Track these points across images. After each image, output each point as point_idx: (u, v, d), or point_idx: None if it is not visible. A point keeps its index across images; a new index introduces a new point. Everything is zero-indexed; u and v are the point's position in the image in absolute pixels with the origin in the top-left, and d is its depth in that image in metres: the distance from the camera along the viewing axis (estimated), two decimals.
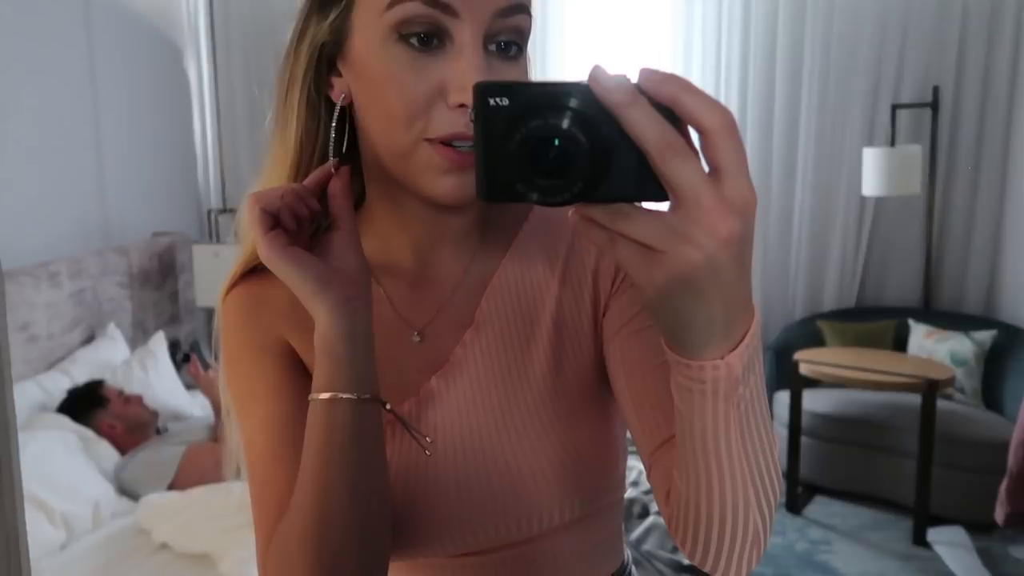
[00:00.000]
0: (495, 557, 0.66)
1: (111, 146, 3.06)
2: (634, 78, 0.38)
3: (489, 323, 0.67)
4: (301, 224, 0.59)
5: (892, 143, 3.28)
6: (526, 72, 0.60)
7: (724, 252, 0.38)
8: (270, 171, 0.65)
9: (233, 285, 0.68)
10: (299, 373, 0.65)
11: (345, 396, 0.56)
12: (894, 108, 3.35)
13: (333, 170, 0.61)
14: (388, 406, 0.60)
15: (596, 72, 0.37)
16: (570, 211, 0.41)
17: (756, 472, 0.49)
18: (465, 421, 0.65)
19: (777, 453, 0.51)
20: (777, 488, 0.51)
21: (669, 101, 0.37)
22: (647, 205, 0.40)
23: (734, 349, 0.43)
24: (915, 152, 3.18)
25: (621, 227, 0.39)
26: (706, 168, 0.38)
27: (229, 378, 0.66)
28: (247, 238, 0.65)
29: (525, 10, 0.57)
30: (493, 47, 0.57)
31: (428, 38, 0.55)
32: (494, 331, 0.67)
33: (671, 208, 0.38)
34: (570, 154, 0.37)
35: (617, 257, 0.41)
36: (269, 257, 0.55)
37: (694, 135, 0.39)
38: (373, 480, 0.58)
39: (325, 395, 0.56)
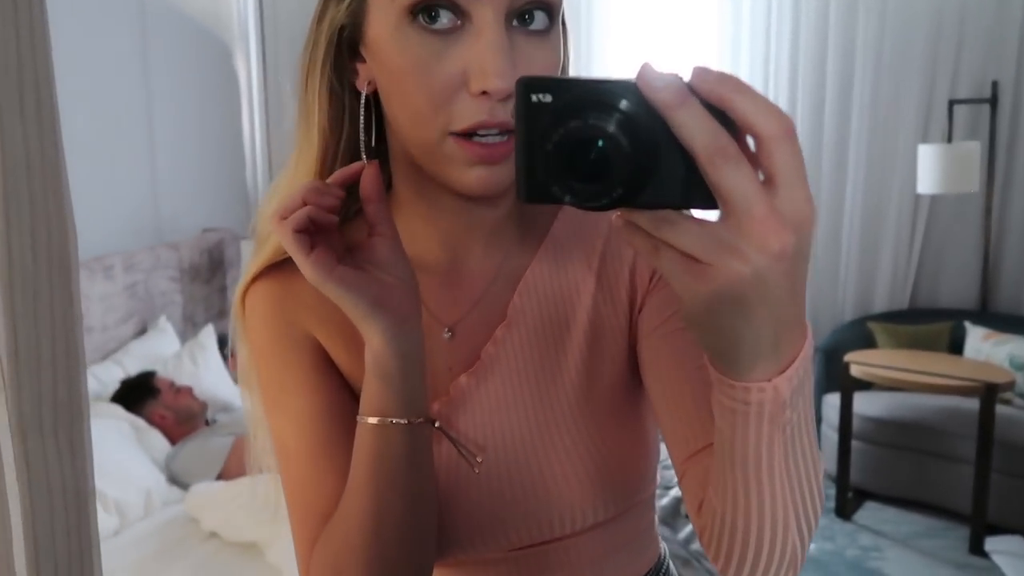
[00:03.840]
0: (521, 555, 0.65)
1: (163, 144, 3.13)
2: (686, 77, 0.36)
3: (522, 320, 0.64)
4: (332, 218, 0.54)
5: (949, 140, 3.19)
6: (558, 50, 0.55)
7: (775, 268, 0.36)
8: (295, 167, 0.61)
9: (253, 280, 0.65)
10: (328, 368, 0.63)
11: (397, 421, 0.54)
12: (951, 104, 3.25)
13: (365, 161, 0.57)
14: (437, 424, 0.59)
15: (645, 70, 0.35)
16: (614, 212, 0.39)
17: (799, 495, 0.47)
18: (496, 421, 0.63)
19: (821, 473, 0.49)
20: (819, 507, 0.50)
21: (723, 103, 0.35)
22: (695, 213, 0.38)
23: (783, 371, 0.41)
24: (973, 149, 3.08)
25: (666, 235, 0.37)
26: (760, 177, 0.36)
27: (258, 374, 0.65)
28: (268, 241, 0.62)
29: None
30: (516, 22, 0.52)
31: (443, 18, 0.51)
32: (527, 328, 0.64)
33: (720, 218, 0.36)
34: (610, 158, 0.35)
35: (660, 267, 0.39)
36: (317, 281, 0.51)
37: (750, 141, 0.37)
38: (425, 495, 0.57)
39: (375, 420, 0.55)
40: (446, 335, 0.65)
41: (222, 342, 3.11)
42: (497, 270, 0.65)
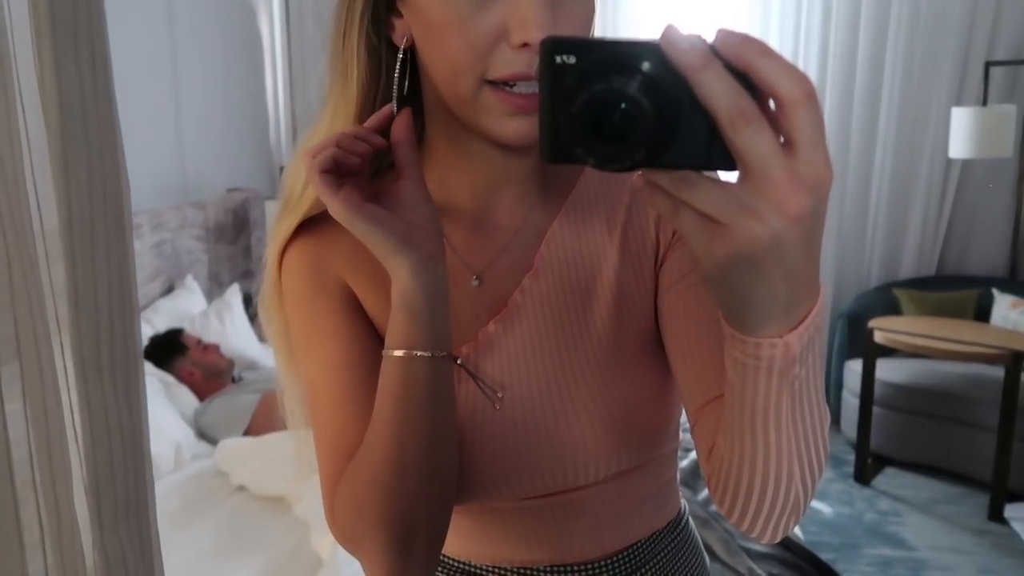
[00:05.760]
0: (542, 503, 0.66)
1: (188, 104, 3.14)
2: (710, 39, 0.36)
3: (549, 268, 0.66)
4: (362, 164, 0.57)
5: (984, 102, 3.11)
6: (593, 3, 0.58)
7: (791, 230, 0.37)
8: (330, 122, 0.63)
9: (289, 241, 0.66)
10: (360, 317, 0.65)
11: (422, 354, 0.56)
12: (987, 65, 3.16)
13: (394, 112, 0.60)
14: (460, 360, 0.61)
15: (669, 32, 0.36)
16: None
17: (804, 446, 0.49)
18: (520, 367, 0.65)
19: (827, 425, 0.51)
20: (823, 459, 0.52)
21: (745, 66, 0.35)
22: (715, 175, 0.38)
23: (794, 328, 0.42)
24: (1009, 112, 3.00)
25: (685, 195, 0.38)
26: (781, 140, 0.37)
27: (292, 323, 0.66)
28: (301, 198, 0.63)
29: None
30: None
31: None
32: (553, 276, 0.66)
33: (739, 180, 0.37)
34: (633, 120, 0.35)
35: (679, 226, 0.40)
36: (345, 218, 0.54)
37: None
38: (446, 430, 0.59)
39: (401, 352, 0.56)
40: (474, 282, 0.66)
41: (247, 302, 3.15)
42: (525, 218, 0.67)
